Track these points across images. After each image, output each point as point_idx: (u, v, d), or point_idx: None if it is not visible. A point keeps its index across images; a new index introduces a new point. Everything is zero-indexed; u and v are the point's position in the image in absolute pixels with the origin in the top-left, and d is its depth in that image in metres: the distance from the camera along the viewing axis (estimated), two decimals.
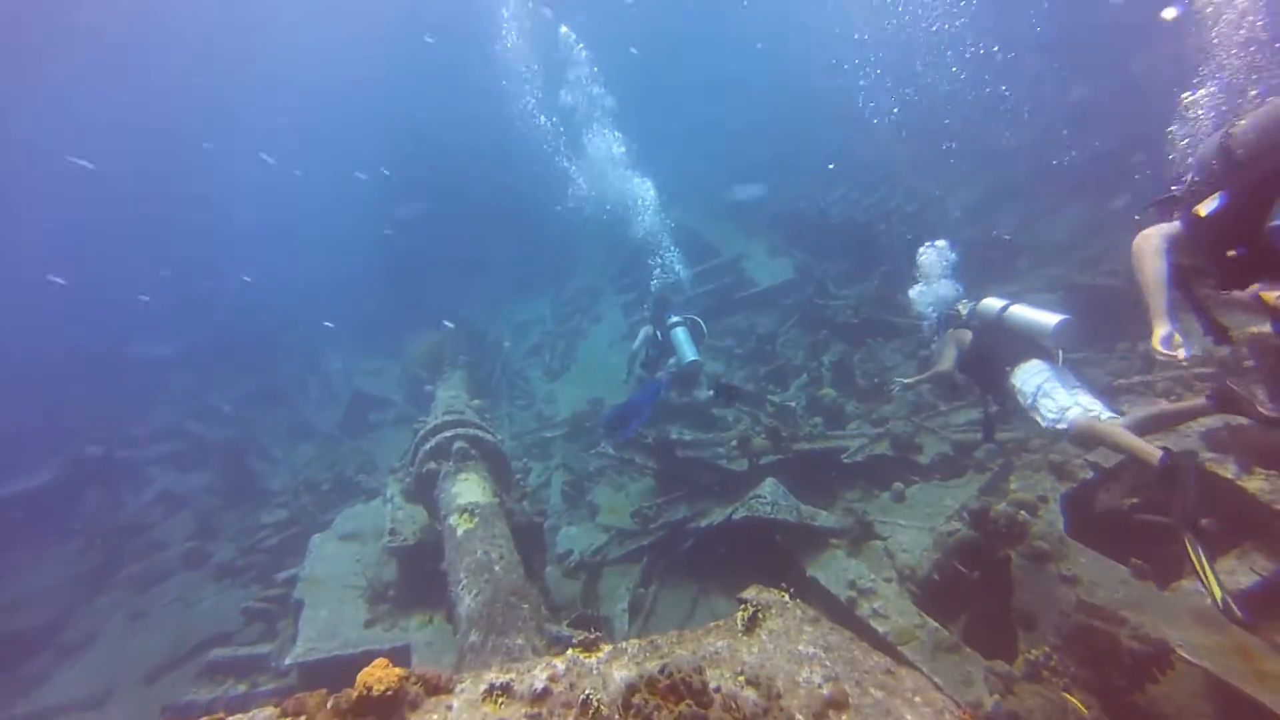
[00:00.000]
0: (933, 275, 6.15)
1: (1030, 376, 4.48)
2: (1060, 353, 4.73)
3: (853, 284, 12.66)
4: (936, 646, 4.05)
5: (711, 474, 7.48)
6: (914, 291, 6.29)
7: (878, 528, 5.89)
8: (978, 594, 4.58)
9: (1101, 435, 3.97)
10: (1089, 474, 5.00)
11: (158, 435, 13.61)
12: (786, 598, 2.75)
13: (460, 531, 4.78)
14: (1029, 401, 4.36)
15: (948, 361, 5.41)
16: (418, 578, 5.90)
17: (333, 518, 8.14)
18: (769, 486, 6.37)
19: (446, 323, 13.06)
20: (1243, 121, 3.05)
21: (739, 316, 12.71)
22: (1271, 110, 2.98)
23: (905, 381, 6.55)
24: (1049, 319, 4.62)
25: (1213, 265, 3.31)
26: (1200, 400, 3.83)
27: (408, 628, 5.73)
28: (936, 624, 4.31)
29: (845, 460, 7.21)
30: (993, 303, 5.06)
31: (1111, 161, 11.31)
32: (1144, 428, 3.93)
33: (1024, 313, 4.78)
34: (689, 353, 8.07)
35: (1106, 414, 4.10)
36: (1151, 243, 3.45)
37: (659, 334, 8.29)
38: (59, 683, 8.04)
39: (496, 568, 4.25)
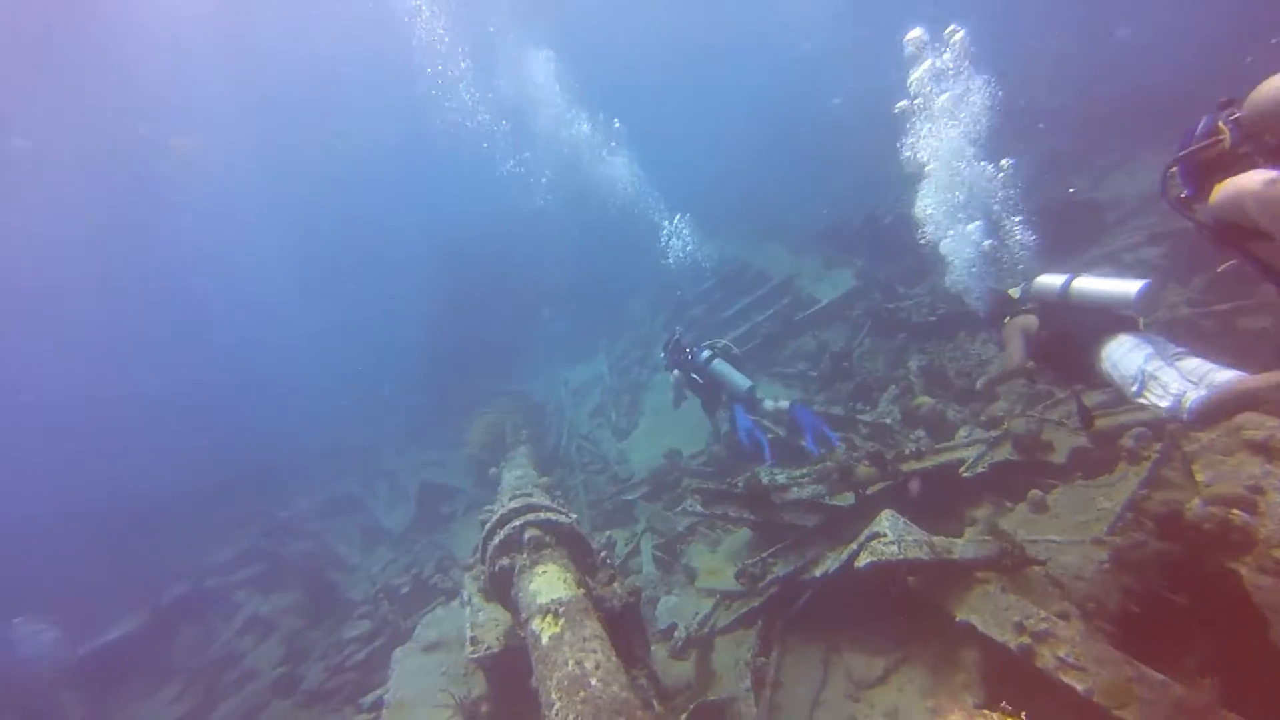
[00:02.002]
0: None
1: (1126, 356, 3.85)
2: (1142, 321, 4.07)
3: (921, 281, 11.77)
4: (1180, 711, 3.07)
5: (816, 514, 6.61)
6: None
7: (1029, 549, 4.93)
8: (1199, 627, 3.60)
9: (1234, 399, 3.23)
10: None
11: (239, 560, 13.48)
12: None
13: (545, 638, 4.09)
14: (1135, 388, 3.74)
15: (1016, 354, 4.71)
16: (511, 688, 5.23)
17: (415, 624, 7.60)
18: (887, 521, 5.48)
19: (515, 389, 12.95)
20: None
21: (805, 338, 11.87)
22: None
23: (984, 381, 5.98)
24: (1129, 286, 3.96)
25: None
26: None
27: None
28: (1161, 675, 3.33)
29: (965, 474, 6.26)
30: (1050, 280, 4.45)
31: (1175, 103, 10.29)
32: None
33: (1096, 285, 4.18)
34: (741, 380, 7.90)
35: (1225, 374, 3.37)
36: None
37: (695, 376, 8.03)
38: None
39: (593, 680, 3.53)
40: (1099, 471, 5.79)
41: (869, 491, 6.51)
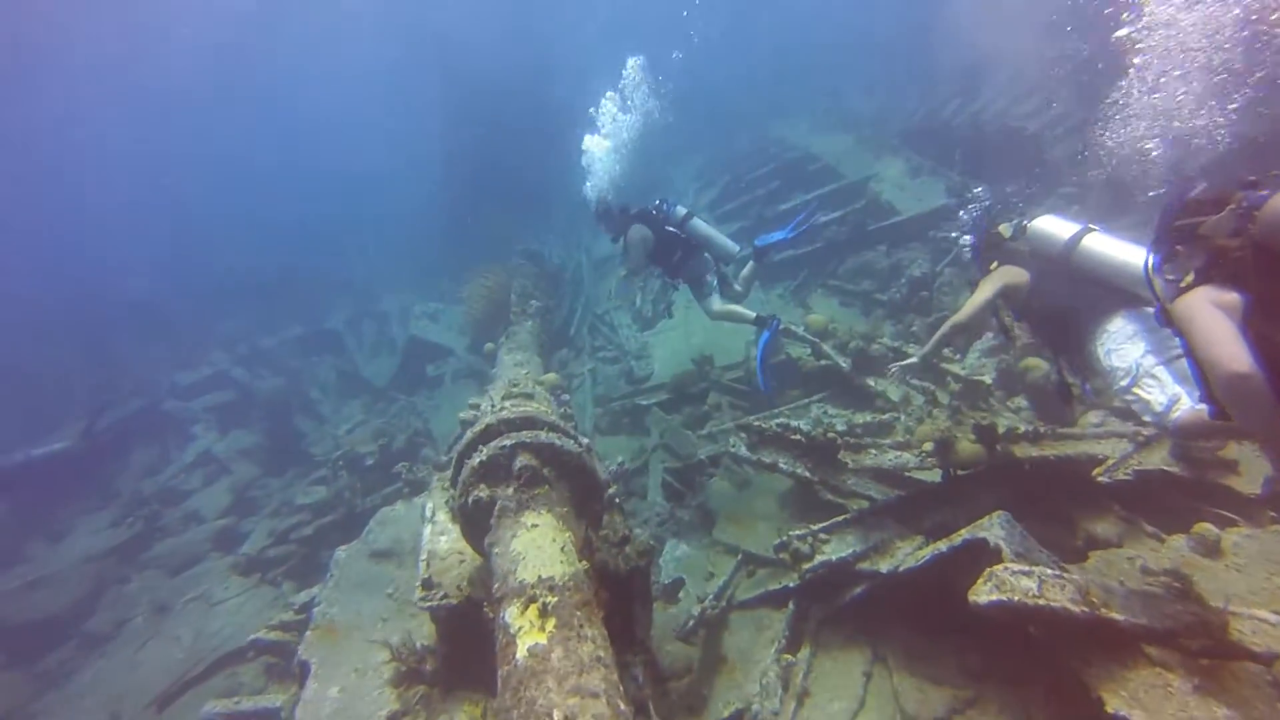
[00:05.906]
0: None
1: (1124, 345, 3.50)
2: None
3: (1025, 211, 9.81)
4: None
5: (888, 487, 5.16)
6: None
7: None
8: None
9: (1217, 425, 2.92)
10: None
11: (207, 383, 12.30)
12: None
13: (522, 649, 2.67)
14: (1126, 382, 3.49)
15: (967, 309, 4.11)
16: (467, 644, 3.95)
17: (370, 513, 6.35)
18: (1001, 529, 4.01)
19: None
20: None
21: (877, 253, 10.05)
22: None
23: (908, 363, 5.07)
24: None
25: None
26: None
27: None
28: None
29: (1101, 478, 4.71)
30: (1055, 228, 3.77)
31: None
32: None
33: (1112, 250, 3.50)
34: (729, 242, 6.92)
35: None
36: None
37: (673, 230, 6.76)
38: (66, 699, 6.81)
39: None
40: None
41: (961, 473, 5.02)
